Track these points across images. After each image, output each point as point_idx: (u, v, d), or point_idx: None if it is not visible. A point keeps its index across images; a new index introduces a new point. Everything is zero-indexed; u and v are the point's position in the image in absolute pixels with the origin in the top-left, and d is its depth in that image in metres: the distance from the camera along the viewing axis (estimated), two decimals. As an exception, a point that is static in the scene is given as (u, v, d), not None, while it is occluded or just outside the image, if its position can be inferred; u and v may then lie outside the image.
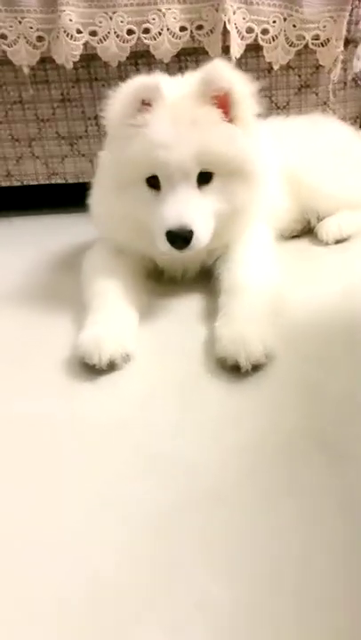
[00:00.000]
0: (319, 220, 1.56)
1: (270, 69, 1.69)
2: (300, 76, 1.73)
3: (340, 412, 0.88)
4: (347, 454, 0.80)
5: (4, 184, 1.90)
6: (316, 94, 1.76)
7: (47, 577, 0.66)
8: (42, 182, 1.90)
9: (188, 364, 1.03)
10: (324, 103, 1.77)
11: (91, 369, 1.01)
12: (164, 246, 1.10)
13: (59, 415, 0.94)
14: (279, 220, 1.49)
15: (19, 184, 1.90)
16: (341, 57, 1.64)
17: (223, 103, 1.10)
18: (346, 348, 1.05)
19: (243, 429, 0.87)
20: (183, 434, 0.87)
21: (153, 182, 1.12)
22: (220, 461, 0.81)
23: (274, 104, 1.77)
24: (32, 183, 1.90)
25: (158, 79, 1.11)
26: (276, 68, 1.66)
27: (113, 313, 1.09)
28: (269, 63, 1.66)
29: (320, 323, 1.14)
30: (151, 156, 1.08)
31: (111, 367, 1.01)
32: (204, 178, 1.12)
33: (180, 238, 1.07)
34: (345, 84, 1.75)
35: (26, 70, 1.64)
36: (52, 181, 1.89)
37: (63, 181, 1.88)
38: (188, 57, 1.69)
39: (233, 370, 0.98)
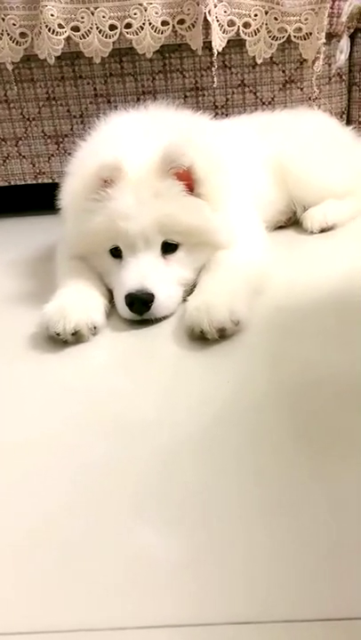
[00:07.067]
0: (305, 210, 1.54)
1: (254, 65, 1.69)
2: (284, 71, 1.73)
3: (305, 378, 0.85)
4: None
5: (-9, 185, 1.90)
6: (301, 89, 1.75)
7: None
8: (28, 182, 1.89)
9: (159, 339, 1.00)
10: (310, 98, 1.76)
11: (57, 342, 0.97)
12: (124, 312, 1.05)
13: (23, 381, 0.91)
14: (265, 211, 1.46)
15: (6, 184, 1.90)
16: (324, 50, 1.64)
17: (186, 177, 1.08)
18: (322, 323, 1.01)
19: (208, 391, 0.84)
20: (147, 398, 0.84)
21: (116, 253, 1.09)
22: (180, 420, 0.78)
23: (259, 100, 1.77)
24: (19, 183, 1.90)
25: (120, 156, 1.06)
26: (259, 61, 1.66)
27: (81, 288, 1.07)
28: (253, 58, 1.66)
29: (300, 302, 1.11)
30: (112, 227, 1.05)
31: (77, 339, 0.98)
32: (170, 248, 1.09)
33: (139, 301, 1.03)
34: (329, 78, 1.75)
35: (9, 67, 1.65)
36: (39, 181, 1.89)
37: (50, 181, 1.87)
38: (172, 54, 1.70)
39: (201, 340, 0.95)
